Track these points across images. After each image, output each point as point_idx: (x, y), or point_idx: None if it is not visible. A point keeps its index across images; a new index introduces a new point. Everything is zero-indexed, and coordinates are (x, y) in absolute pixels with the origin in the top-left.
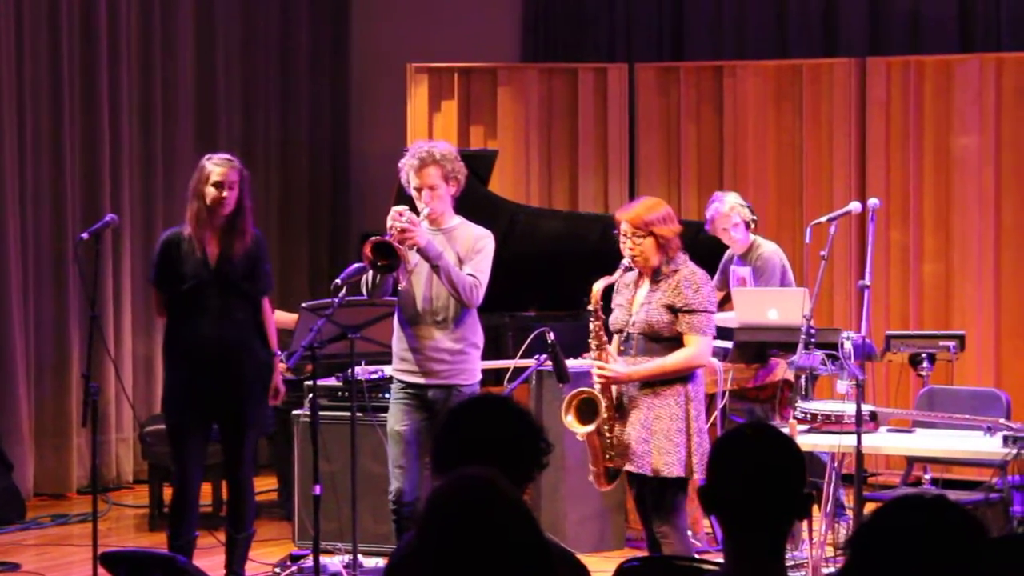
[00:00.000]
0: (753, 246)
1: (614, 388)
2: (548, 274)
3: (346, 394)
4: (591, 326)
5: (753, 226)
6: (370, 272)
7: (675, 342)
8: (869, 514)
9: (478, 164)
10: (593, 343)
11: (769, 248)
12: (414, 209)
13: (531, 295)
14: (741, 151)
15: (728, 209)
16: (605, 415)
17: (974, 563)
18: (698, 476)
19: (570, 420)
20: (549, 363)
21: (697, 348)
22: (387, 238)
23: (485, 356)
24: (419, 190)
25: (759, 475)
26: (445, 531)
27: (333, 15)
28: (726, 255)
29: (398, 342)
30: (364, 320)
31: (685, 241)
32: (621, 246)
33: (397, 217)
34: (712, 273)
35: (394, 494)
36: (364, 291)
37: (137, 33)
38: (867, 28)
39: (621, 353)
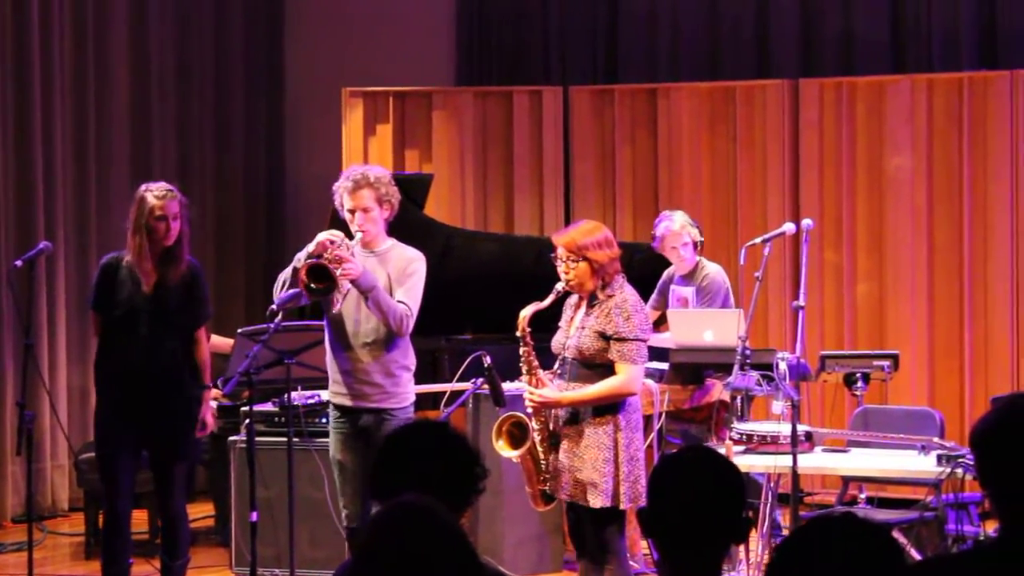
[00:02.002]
0: (699, 267)
1: (550, 414)
2: (484, 297)
3: (283, 419)
4: (521, 351)
5: (700, 247)
6: (281, 283)
7: (608, 369)
8: (783, 539)
9: (413, 188)
10: (524, 367)
11: (714, 270)
12: (347, 233)
13: (467, 318)
14: (676, 173)
15: (679, 228)
16: (537, 438)
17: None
18: (625, 505)
19: (501, 444)
20: (486, 387)
21: (627, 376)
22: (321, 261)
23: (421, 380)
24: (352, 212)
25: (698, 499)
26: (383, 559)
27: (267, 41)
28: (665, 274)
29: (330, 365)
30: (300, 345)
31: (621, 264)
32: (557, 269)
33: (329, 244)
34: (647, 295)
35: (346, 520)
36: (275, 304)
37: (71, 60)
38: (800, 50)
39: (558, 376)
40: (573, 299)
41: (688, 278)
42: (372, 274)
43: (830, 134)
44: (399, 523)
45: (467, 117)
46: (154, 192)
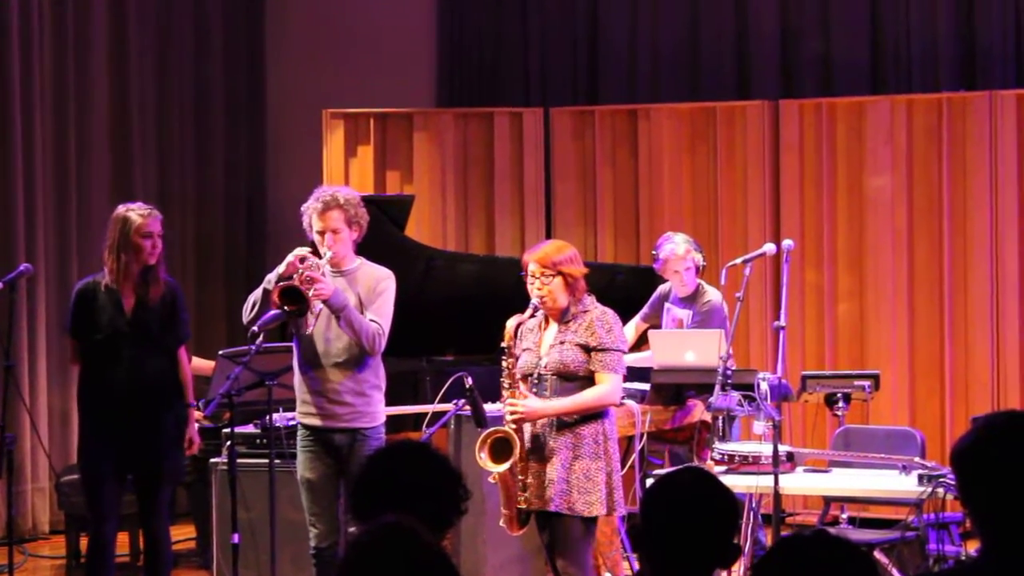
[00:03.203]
0: (699, 291)
1: (528, 429)
2: (465, 318)
3: (264, 441)
4: (504, 364)
5: (701, 270)
6: (250, 304)
7: (588, 381)
8: (759, 558)
9: (395, 209)
10: (506, 381)
11: (716, 297)
12: (315, 253)
13: (449, 339)
14: (656, 193)
15: (683, 252)
16: (519, 454)
17: None
18: (618, 512)
19: (483, 458)
20: (467, 408)
21: (610, 386)
22: (293, 283)
23: (402, 401)
24: (322, 233)
25: (691, 520)
26: None
27: (248, 62)
28: (660, 289)
29: (299, 385)
30: (281, 367)
31: (601, 284)
32: (528, 287)
33: (300, 264)
34: (628, 316)
35: (314, 540)
36: (245, 320)
37: (51, 84)
38: (779, 71)
39: (535, 395)
40: (532, 323)
41: (687, 300)
42: (343, 293)
43: (810, 155)
44: (380, 544)
45: (448, 138)
46: (136, 211)
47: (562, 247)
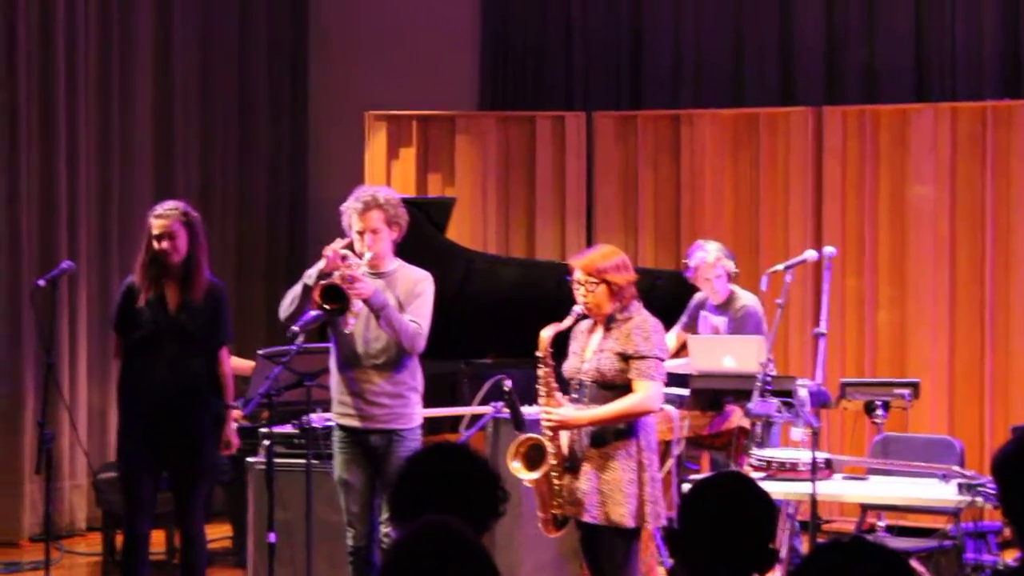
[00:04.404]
0: (732, 297)
1: (565, 437)
2: (505, 321)
3: (302, 441)
4: (540, 372)
5: (734, 277)
6: (288, 300)
7: (626, 390)
8: (796, 566)
9: (436, 211)
10: (542, 389)
11: (751, 301)
12: (354, 252)
13: (488, 342)
14: (698, 199)
15: (713, 260)
16: (553, 462)
17: None
18: (651, 526)
19: (516, 466)
20: (506, 411)
21: (646, 393)
22: (334, 280)
23: (441, 403)
24: (361, 233)
25: (729, 525)
26: None
27: (291, 64)
28: (696, 298)
29: (336, 386)
30: (320, 367)
31: (642, 290)
32: (574, 293)
33: (341, 262)
34: (668, 322)
35: (352, 540)
36: (282, 316)
37: (95, 82)
38: (823, 77)
39: (574, 401)
40: (584, 325)
41: (722, 307)
42: (383, 293)
43: (853, 162)
44: (428, 541)
45: (490, 141)
46: (156, 212)
47: (609, 254)
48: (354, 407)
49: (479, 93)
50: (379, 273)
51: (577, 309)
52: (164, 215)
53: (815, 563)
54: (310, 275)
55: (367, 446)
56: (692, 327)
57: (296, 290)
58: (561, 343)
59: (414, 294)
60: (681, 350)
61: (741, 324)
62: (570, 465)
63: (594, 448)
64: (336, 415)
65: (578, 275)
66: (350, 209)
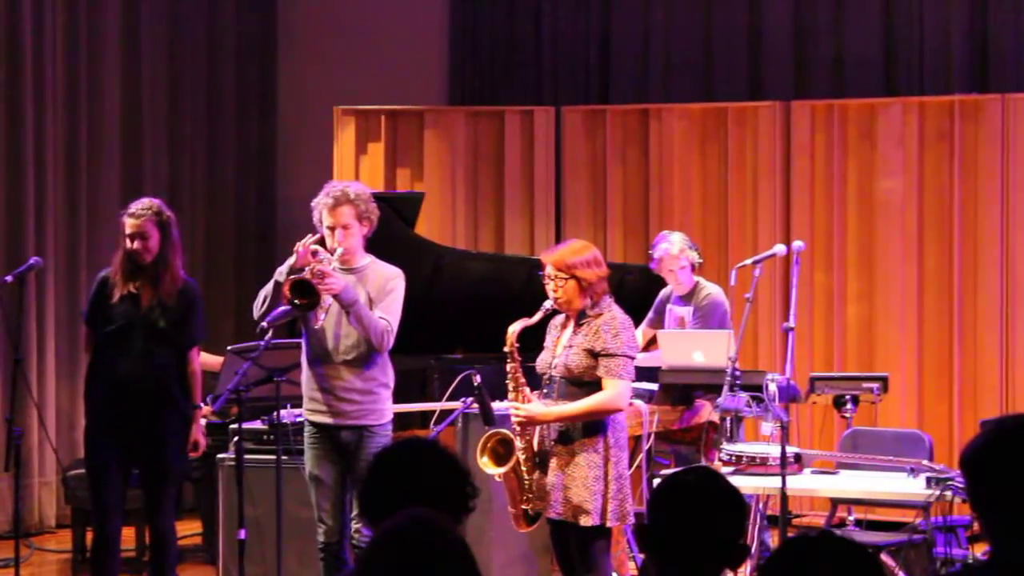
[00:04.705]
0: (697, 288)
1: (536, 432)
2: (474, 316)
3: (271, 437)
4: (507, 367)
5: (697, 268)
6: (261, 299)
7: (595, 386)
8: (764, 560)
9: (404, 206)
10: (510, 384)
11: (715, 291)
12: (324, 247)
13: (457, 337)
14: (667, 193)
15: (677, 251)
16: (522, 456)
17: None
18: (613, 523)
19: (484, 461)
20: (475, 406)
21: (614, 392)
22: (304, 276)
23: (410, 399)
24: (332, 229)
25: (698, 521)
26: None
27: (260, 58)
28: (662, 293)
29: (307, 382)
30: (289, 363)
31: (612, 285)
32: (545, 287)
33: (312, 257)
34: (638, 316)
35: (323, 536)
36: (256, 315)
37: (62, 78)
38: (792, 72)
39: (544, 396)
40: (558, 320)
41: (686, 299)
42: (353, 289)
43: (821, 156)
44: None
45: (459, 136)
46: (129, 210)
47: (580, 249)
48: (325, 403)
49: (448, 88)
50: (351, 269)
51: (547, 304)
52: (137, 215)
53: (782, 557)
54: (281, 272)
55: (338, 442)
56: (659, 323)
57: (268, 288)
58: (530, 338)
59: (385, 291)
60: (650, 344)
61: (706, 314)
62: (539, 460)
63: (561, 444)
64: (307, 411)
65: (549, 270)
66: (320, 205)
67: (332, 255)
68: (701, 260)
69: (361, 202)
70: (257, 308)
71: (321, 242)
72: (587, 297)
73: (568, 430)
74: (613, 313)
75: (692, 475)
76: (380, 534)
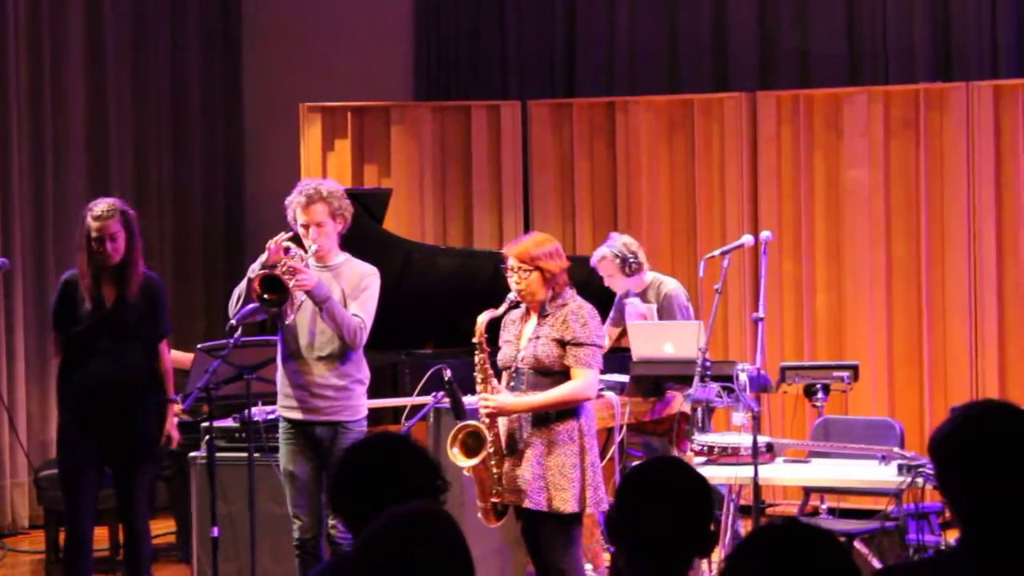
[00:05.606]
0: (653, 284)
1: (504, 424)
2: (444, 311)
3: (243, 435)
4: (476, 359)
5: (633, 269)
6: (236, 297)
7: (564, 376)
8: (733, 549)
9: (372, 202)
10: (479, 376)
11: (672, 286)
12: (299, 245)
13: (427, 332)
14: (635, 185)
15: (599, 260)
16: (491, 449)
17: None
18: (592, 510)
19: (455, 453)
20: (446, 400)
21: (584, 381)
22: (273, 272)
23: (382, 394)
24: (306, 227)
25: (667, 510)
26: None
27: (225, 56)
28: (619, 292)
29: (281, 378)
30: (259, 360)
31: (580, 276)
32: (508, 280)
33: (283, 254)
34: (607, 309)
35: (298, 532)
36: (231, 313)
37: (27, 78)
38: (757, 63)
39: (511, 389)
40: (515, 314)
41: (644, 295)
42: (326, 285)
43: (788, 146)
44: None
45: (426, 132)
46: (94, 212)
47: (542, 241)
48: (299, 399)
49: (414, 83)
50: (326, 266)
51: (511, 296)
52: (103, 216)
53: (750, 546)
54: (254, 269)
55: (312, 438)
56: (621, 320)
57: (242, 287)
58: (497, 330)
59: (360, 288)
60: (621, 337)
61: (668, 311)
62: (509, 452)
63: (536, 435)
64: (281, 407)
65: (511, 262)
66: (294, 203)
67: (306, 252)
68: (635, 262)
69: (334, 199)
70: (232, 306)
71: (295, 239)
72: (550, 288)
73: (544, 419)
74: (579, 303)
75: (657, 464)
76: (382, 524)
